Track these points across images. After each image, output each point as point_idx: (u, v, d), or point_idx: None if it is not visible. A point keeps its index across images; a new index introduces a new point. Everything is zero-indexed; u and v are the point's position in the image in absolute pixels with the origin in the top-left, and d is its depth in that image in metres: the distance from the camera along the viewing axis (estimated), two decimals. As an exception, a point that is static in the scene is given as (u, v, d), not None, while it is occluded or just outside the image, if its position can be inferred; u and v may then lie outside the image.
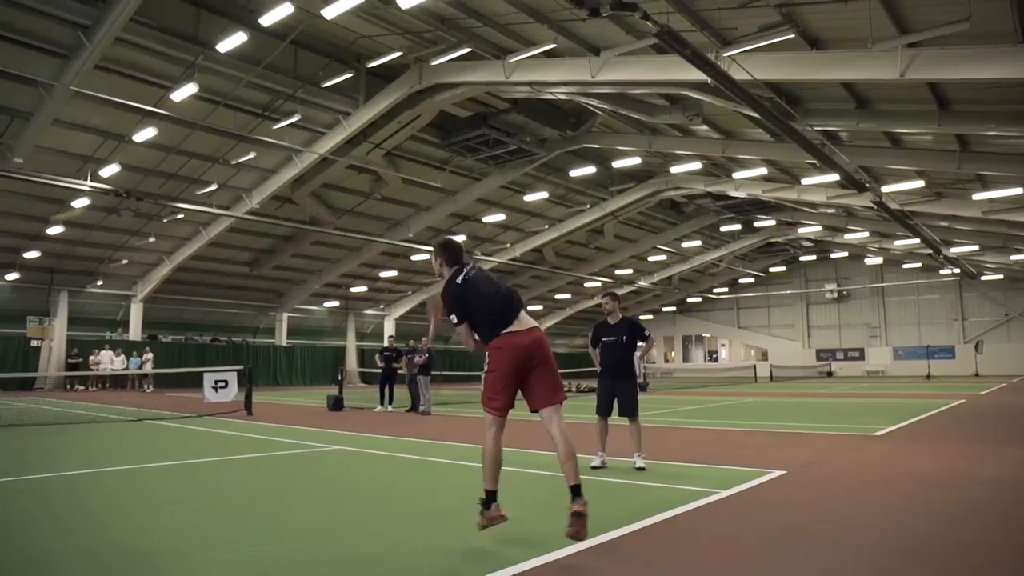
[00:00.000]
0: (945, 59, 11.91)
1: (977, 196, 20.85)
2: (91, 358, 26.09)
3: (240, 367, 16.24)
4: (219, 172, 22.15)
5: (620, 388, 7.47)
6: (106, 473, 7.29)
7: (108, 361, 25.89)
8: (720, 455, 8.42)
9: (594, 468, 7.10)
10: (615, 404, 7.49)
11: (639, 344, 7.70)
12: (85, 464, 7.82)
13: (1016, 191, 19.48)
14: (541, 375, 4.19)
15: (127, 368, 26.21)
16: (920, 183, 20.99)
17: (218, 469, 7.65)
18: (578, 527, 3.87)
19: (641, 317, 55.84)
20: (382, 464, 8.16)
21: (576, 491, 3.98)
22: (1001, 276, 40.19)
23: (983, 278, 40.17)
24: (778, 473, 6.96)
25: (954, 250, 31.52)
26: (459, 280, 4.37)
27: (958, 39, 11.67)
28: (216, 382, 15.63)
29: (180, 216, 23.98)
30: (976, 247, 30.69)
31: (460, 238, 30.63)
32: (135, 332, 29.04)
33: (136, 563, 3.98)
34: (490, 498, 4.17)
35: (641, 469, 7.08)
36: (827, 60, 13.01)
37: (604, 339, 7.61)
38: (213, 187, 22.45)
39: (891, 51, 11.97)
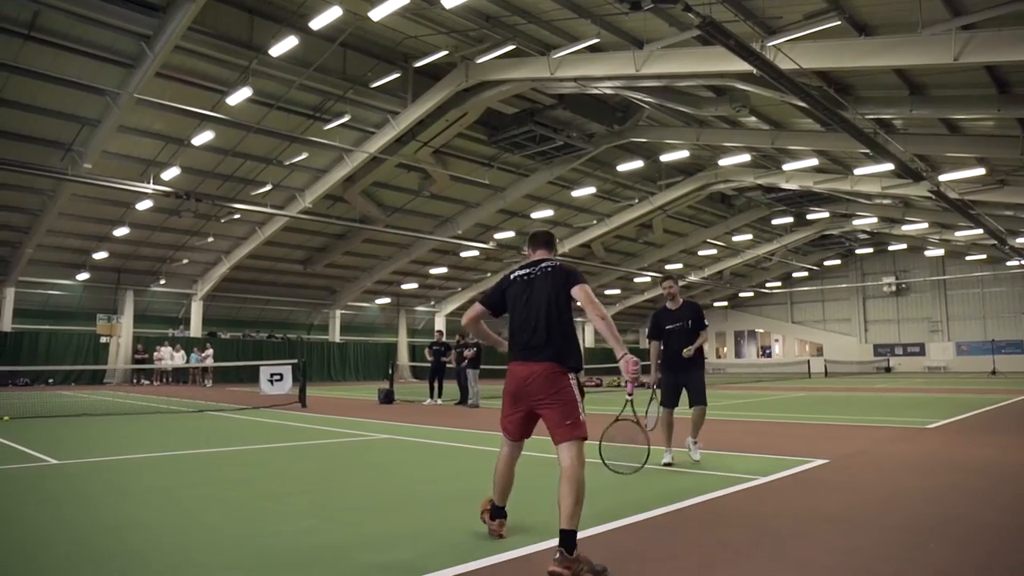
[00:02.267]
0: (1002, 41, 11.55)
1: (1042, 183, 20.10)
2: (154, 355, 27.19)
3: (295, 361, 16.76)
4: (273, 173, 22.83)
5: (691, 378, 6.96)
6: (171, 457, 7.71)
7: (168, 357, 26.93)
8: (764, 445, 8.43)
9: (666, 465, 6.67)
10: (682, 394, 7.02)
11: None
12: (154, 448, 8.29)
13: (1083, 177, 18.71)
14: (549, 410, 3.79)
15: (188, 362, 27.27)
16: (981, 170, 20.32)
17: (271, 455, 8.00)
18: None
19: (692, 312, 55.21)
20: (425, 451, 8.41)
21: (563, 539, 3.41)
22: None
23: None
24: (821, 462, 6.95)
25: (1021, 240, 30.35)
26: (511, 275, 4.20)
27: (1016, 20, 11.33)
28: (272, 375, 16.18)
29: (237, 216, 24.80)
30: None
31: (507, 235, 31.02)
32: (196, 329, 30.12)
33: (194, 530, 4.29)
34: (495, 511, 4.08)
35: (696, 462, 6.88)
36: (876, 46, 12.75)
37: (668, 326, 7.03)
38: (268, 187, 23.15)
39: (944, 35, 11.68)
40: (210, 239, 26.61)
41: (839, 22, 11.89)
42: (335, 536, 4.23)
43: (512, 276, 4.18)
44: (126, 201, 22.75)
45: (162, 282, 29.63)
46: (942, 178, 20.44)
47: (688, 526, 4.45)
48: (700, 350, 7.04)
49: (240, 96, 17.29)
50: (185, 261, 28.46)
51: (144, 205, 22.84)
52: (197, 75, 17.69)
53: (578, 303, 3.97)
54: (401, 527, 4.47)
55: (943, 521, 4.52)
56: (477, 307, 4.28)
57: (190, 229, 25.89)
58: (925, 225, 32.68)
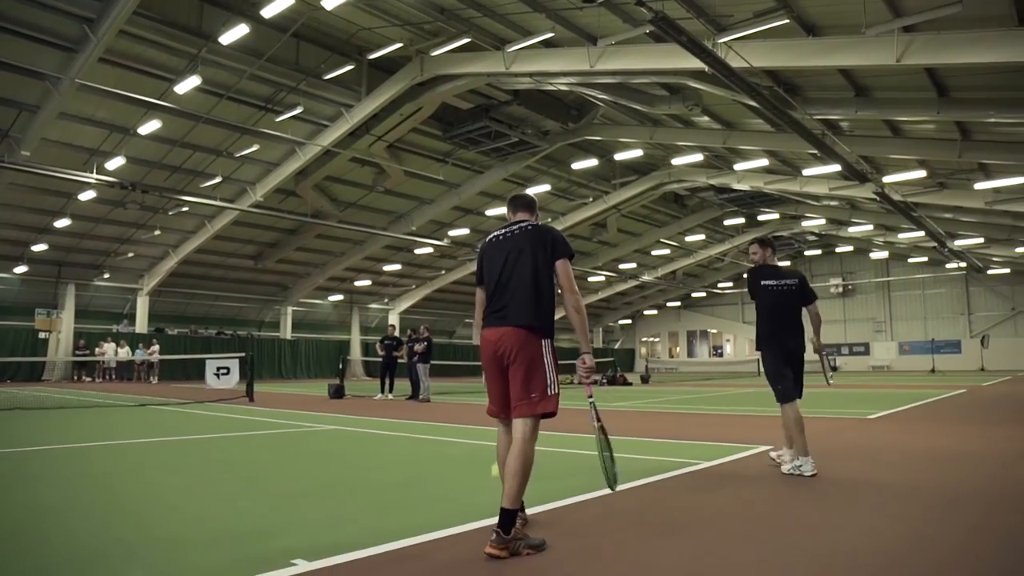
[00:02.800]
0: (941, 44, 11.93)
1: (979, 186, 20.80)
2: (96, 350, 26.35)
3: (242, 354, 16.41)
4: (223, 165, 22.34)
5: (797, 357, 5.67)
6: (109, 446, 7.45)
7: (112, 353, 26.14)
8: (710, 434, 8.53)
9: (813, 476, 5.28)
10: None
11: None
12: (90, 439, 8.00)
13: (1019, 180, 19.45)
14: (512, 376, 3.52)
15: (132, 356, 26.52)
16: (922, 173, 20.96)
17: (211, 444, 7.80)
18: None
19: (645, 312, 55.90)
20: (370, 440, 8.29)
21: (502, 519, 3.28)
22: (1008, 270, 39.97)
23: (990, 272, 39.98)
24: (765, 448, 7.05)
25: (959, 243, 31.41)
26: (488, 237, 3.88)
27: (954, 23, 11.70)
28: (219, 369, 15.81)
29: (185, 209, 24.21)
30: (981, 239, 30.57)
31: (462, 232, 30.91)
32: (141, 325, 29.29)
33: (119, 516, 4.15)
34: (503, 516, 3.34)
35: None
36: (823, 47, 13.04)
37: (766, 282, 5.77)
38: (217, 180, 22.65)
39: (887, 36, 12.00)
40: (157, 232, 25.90)
41: (787, 20, 12.12)
42: (269, 519, 4.14)
43: (488, 239, 3.84)
44: (68, 191, 22.01)
45: (106, 276, 28.73)
46: (886, 180, 21.04)
47: (630, 507, 4.46)
48: (801, 324, 5.77)
49: (189, 84, 16.86)
50: (130, 255, 27.65)
51: (87, 196, 22.13)
52: (143, 62, 17.20)
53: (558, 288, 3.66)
54: (341, 509, 4.42)
55: (880, 491, 4.62)
56: (478, 293, 3.84)
57: (136, 222, 25.17)
58: (870, 227, 33.60)
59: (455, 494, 4.99)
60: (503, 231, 3.79)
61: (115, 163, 20.36)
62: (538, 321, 3.56)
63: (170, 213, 24.50)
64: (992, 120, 15.36)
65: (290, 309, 35.36)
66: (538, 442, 3.61)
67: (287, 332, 35.01)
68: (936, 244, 30.01)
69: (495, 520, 3.35)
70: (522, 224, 3.76)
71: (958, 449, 6.99)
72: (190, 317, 33.02)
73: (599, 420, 3.64)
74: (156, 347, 27.19)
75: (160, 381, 26.66)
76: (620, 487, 4.41)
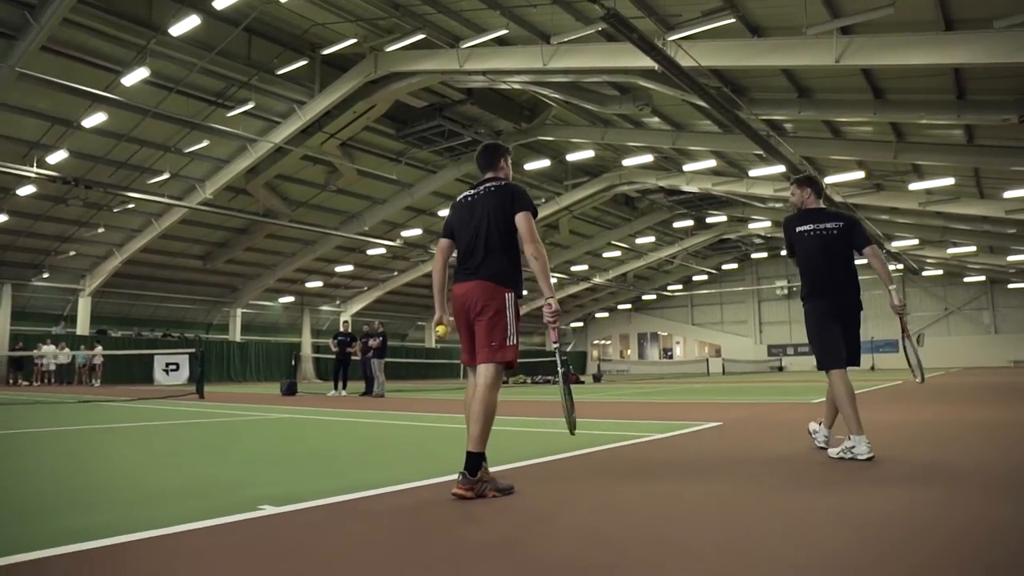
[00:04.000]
0: (876, 46, 12.51)
1: (913, 186, 21.74)
2: (34, 352, 25.45)
3: (192, 350, 16.12)
4: (171, 161, 21.91)
5: (850, 313, 4.79)
6: (58, 432, 7.32)
7: (51, 355, 25.26)
8: (665, 415, 8.80)
9: (870, 459, 4.41)
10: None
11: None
12: (37, 426, 7.83)
13: (949, 181, 20.41)
14: (477, 327, 3.67)
15: (72, 360, 25.62)
16: (860, 174, 21.80)
17: (168, 428, 7.71)
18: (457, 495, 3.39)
19: (597, 315, 56.54)
20: (323, 424, 8.31)
21: (468, 461, 3.44)
22: (941, 272, 41.80)
23: (924, 273, 41.70)
24: (715, 424, 7.32)
25: (896, 244, 32.69)
26: (459, 197, 3.99)
27: (888, 27, 12.29)
28: (167, 365, 15.45)
29: (131, 206, 23.64)
30: (916, 241, 31.88)
31: (414, 232, 30.86)
32: (83, 327, 28.38)
33: (85, 477, 4.15)
34: (469, 460, 3.48)
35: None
36: (768, 47, 13.54)
37: (801, 228, 4.88)
38: (165, 176, 22.18)
39: (827, 37, 12.53)
40: (100, 230, 25.21)
41: (733, 20, 12.55)
42: (235, 478, 4.18)
43: (458, 199, 3.98)
44: (5, 185, 21.30)
45: (45, 276, 27.79)
46: (827, 180, 21.81)
47: (590, 464, 4.64)
48: (855, 272, 4.89)
49: (136, 77, 16.57)
50: (72, 253, 26.82)
51: (26, 191, 21.45)
52: (89, 52, 16.81)
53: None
54: (303, 470, 4.51)
55: (809, 460, 4.89)
56: (441, 241, 3.96)
57: (79, 219, 24.47)
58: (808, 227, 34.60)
59: (415, 458, 5.10)
60: (472, 192, 3.91)
61: (57, 157, 19.82)
62: (503, 276, 3.70)
63: (115, 210, 23.89)
64: (924, 121, 16.12)
65: (239, 311, 34.74)
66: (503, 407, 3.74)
67: (236, 334, 34.37)
68: (875, 245, 31.13)
69: (458, 477, 3.46)
70: (488, 185, 3.87)
71: (887, 420, 7.38)
72: (134, 319, 32.17)
73: (564, 365, 3.79)
74: (99, 349, 26.41)
75: (103, 384, 25.90)
76: (581, 451, 4.54)
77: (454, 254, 3.97)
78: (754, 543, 2.58)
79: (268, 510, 3.19)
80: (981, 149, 17.85)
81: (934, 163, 19.32)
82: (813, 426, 5.19)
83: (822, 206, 5.06)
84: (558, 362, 3.79)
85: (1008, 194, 20.74)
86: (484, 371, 3.62)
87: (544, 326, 4.17)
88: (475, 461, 3.46)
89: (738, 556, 2.39)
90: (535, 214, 3.77)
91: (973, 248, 32.26)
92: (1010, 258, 32.21)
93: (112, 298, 30.41)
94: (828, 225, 4.82)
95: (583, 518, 3.05)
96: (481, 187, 3.89)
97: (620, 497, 3.48)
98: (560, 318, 3.69)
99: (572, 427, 3.79)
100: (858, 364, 4.81)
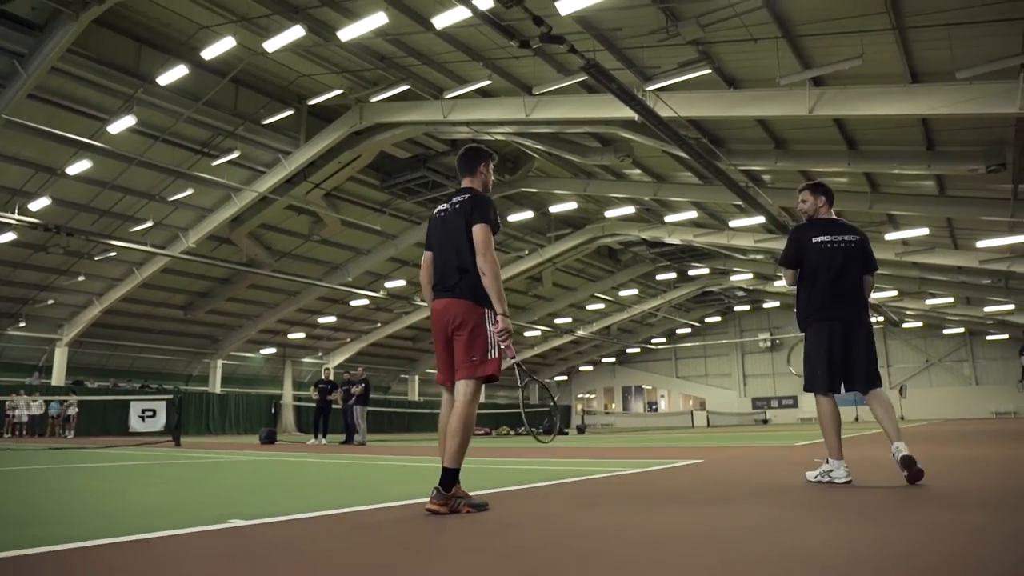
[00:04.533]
0: (847, 97, 12.93)
1: (889, 236, 22.13)
2: (6, 403, 24.86)
3: (170, 396, 15.86)
4: (155, 210, 21.93)
5: (856, 334, 4.50)
6: (30, 471, 7.14)
7: (24, 407, 24.66)
8: (647, 456, 8.74)
9: (847, 483, 4.43)
10: (848, 369, 4.48)
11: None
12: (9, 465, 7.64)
13: (923, 231, 20.82)
14: (456, 343, 3.64)
15: (46, 411, 24.98)
16: (837, 225, 22.16)
17: (141, 467, 7.55)
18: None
19: (581, 368, 56.37)
20: (306, 464, 8.18)
21: (443, 477, 3.41)
22: (921, 323, 42.23)
23: (905, 325, 42.09)
24: (696, 461, 7.29)
25: (876, 295, 33.07)
26: (435, 211, 3.96)
27: (857, 79, 12.72)
28: (144, 411, 15.13)
29: (112, 254, 23.48)
30: (895, 292, 32.29)
31: (398, 284, 30.87)
32: (58, 377, 27.81)
33: (59, 497, 4.04)
34: (444, 475, 3.45)
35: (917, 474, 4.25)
36: (744, 98, 13.93)
37: (818, 238, 4.60)
38: (148, 224, 22.15)
39: (800, 89, 12.94)
40: (81, 279, 24.96)
41: (709, 71, 12.93)
42: (207, 500, 4.10)
43: (434, 213, 3.95)
44: (-14, 233, 21.19)
45: (22, 325, 27.40)
46: (805, 231, 22.13)
47: (567, 491, 4.59)
48: (863, 293, 4.65)
49: (123, 125, 16.68)
50: (51, 302, 26.49)
51: (6, 238, 21.30)
52: (76, 100, 16.95)
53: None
54: (277, 493, 4.40)
55: (780, 489, 4.87)
56: (425, 255, 3.96)
57: (59, 267, 24.28)
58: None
59: (391, 487, 5.02)
60: (444, 207, 3.89)
61: (39, 204, 19.77)
62: (480, 294, 3.66)
63: (96, 259, 23.74)
64: (896, 172, 16.55)
65: (220, 362, 34.32)
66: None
67: (216, 386, 33.86)
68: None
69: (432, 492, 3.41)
70: (456, 200, 3.84)
71: (870, 456, 7.38)
72: (112, 370, 31.63)
73: (529, 376, 3.76)
74: (72, 399, 25.88)
75: (77, 436, 25.32)
76: (562, 480, 4.49)
77: None
78: (728, 543, 2.56)
79: (237, 523, 3.13)
80: (952, 199, 18.28)
81: (908, 213, 19.74)
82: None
83: (835, 216, 4.81)
84: (518, 377, 3.76)
85: (981, 244, 21.15)
86: (464, 387, 3.57)
87: (528, 377, 4.09)
88: (450, 476, 3.42)
89: (711, 552, 2.37)
90: (495, 228, 3.72)
91: (951, 299, 32.69)
92: (987, 309, 32.63)
93: (90, 348, 29.99)
94: (847, 238, 4.56)
95: (557, 529, 3.02)
96: (453, 200, 3.87)
97: (590, 520, 3.44)
98: (511, 337, 3.65)
99: (546, 433, 3.78)
100: (878, 386, 4.46)
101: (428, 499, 3.38)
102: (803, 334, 4.67)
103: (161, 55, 16.31)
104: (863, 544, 2.45)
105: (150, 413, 15.18)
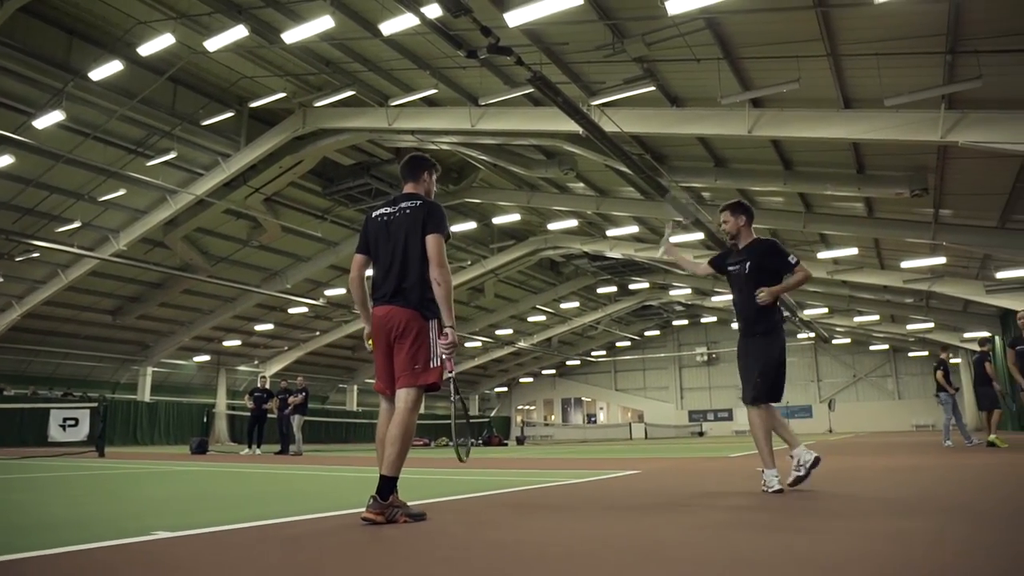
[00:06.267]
0: (784, 119, 13.36)
1: (821, 255, 22.89)
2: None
3: (94, 404, 15.19)
4: (83, 210, 21.04)
5: (752, 347, 4.87)
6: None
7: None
8: (585, 467, 8.77)
9: (779, 492, 4.65)
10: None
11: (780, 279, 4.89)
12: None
13: (853, 251, 21.64)
14: (398, 350, 3.58)
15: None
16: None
17: (62, 479, 7.20)
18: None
19: (521, 380, 56.48)
20: (237, 474, 7.94)
21: (380, 485, 3.35)
22: (849, 340, 43.80)
23: (834, 341, 43.57)
24: (634, 472, 7.35)
25: (808, 312, 34.17)
26: (372, 213, 3.86)
27: (794, 103, 13.16)
28: (65, 420, 14.41)
29: (35, 255, 22.38)
30: (826, 309, 33.41)
31: (338, 292, 30.41)
32: (-28, 384, 26.47)
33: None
34: (381, 484, 3.39)
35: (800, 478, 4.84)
36: (686, 116, 14.25)
37: (730, 267, 5.07)
38: (76, 225, 21.22)
39: (740, 110, 13.31)
40: (0, 280, 23.81)
41: (653, 88, 13.18)
42: (131, 511, 3.92)
43: (373, 214, 3.82)
44: None
45: (-66, 329, 25.95)
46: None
47: (506, 500, 4.56)
48: (760, 310, 4.80)
49: (50, 120, 15.96)
50: (-34, 306, 25.20)
51: (-81, 237, 20.17)
52: None
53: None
54: (204, 504, 4.23)
55: (710, 494, 4.96)
56: (357, 257, 3.84)
57: (-25, 269, 23.09)
58: (731, 297, 35.89)
59: (324, 496, 4.90)
60: (389, 211, 3.77)
61: (-44, 202, 18.78)
62: (425, 303, 3.62)
63: (17, 259, 22.59)
64: (829, 193, 17.15)
65: (150, 370, 33.06)
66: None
67: (145, 395, 32.60)
68: (789, 313, 32.47)
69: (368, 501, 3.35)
70: (405, 205, 3.74)
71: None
72: (32, 376, 30.14)
73: (457, 393, 3.70)
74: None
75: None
76: (498, 491, 4.45)
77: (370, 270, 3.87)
78: (664, 549, 2.57)
79: (162, 535, 3.00)
80: (880, 221, 19.04)
81: (839, 233, 20.44)
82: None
83: (754, 236, 5.06)
84: (452, 390, 3.69)
85: (905, 264, 22.10)
86: (405, 394, 3.52)
87: (466, 389, 4.11)
88: (388, 485, 3.36)
89: (641, 555, 2.37)
90: (447, 237, 3.68)
91: (877, 317, 34.00)
92: (909, 327, 34.05)
93: (8, 354, 28.50)
94: (745, 263, 4.94)
95: (494, 537, 2.98)
96: (399, 205, 3.77)
97: (528, 527, 3.42)
98: (456, 350, 3.62)
99: (463, 455, 3.75)
100: (750, 403, 4.81)
101: (364, 508, 3.31)
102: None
103: (94, 49, 15.73)
104: (798, 551, 2.50)
105: (72, 422, 14.42)
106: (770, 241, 5.01)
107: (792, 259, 4.80)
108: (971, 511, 3.62)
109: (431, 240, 3.61)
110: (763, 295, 4.69)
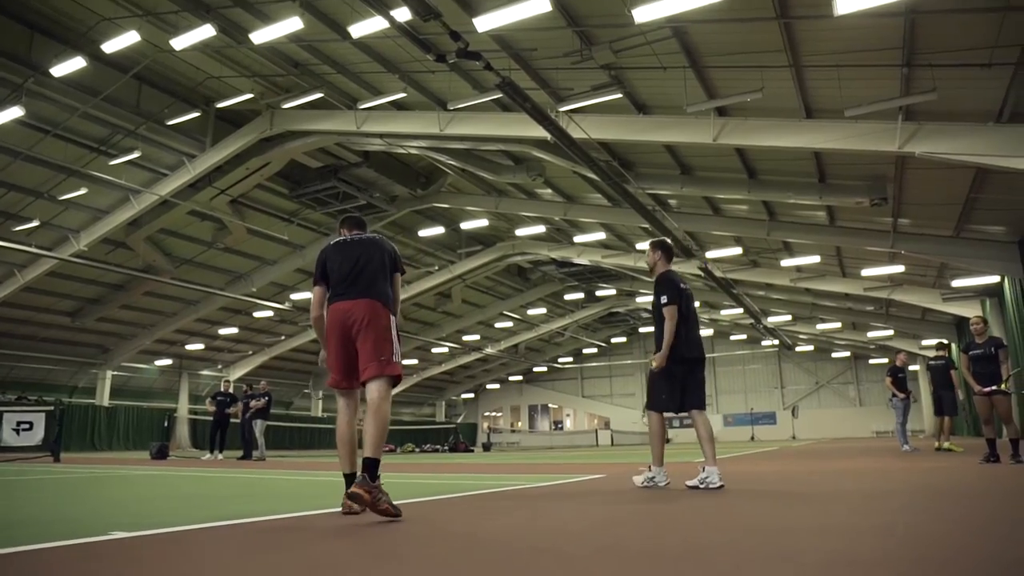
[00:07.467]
0: (748, 128, 13.60)
1: (785, 263, 23.31)
2: None
3: (50, 408, 14.82)
4: (42, 208, 20.57)
5: (689, 372, 5.71)
6: None
7: None
8: (553, 471, 8.81)
9: (647, 486, 5.50)
10: (682, 397, 5.65)
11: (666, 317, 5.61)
12: None
13: (815, 259, 22.06)
14: (362, 344, 3.73)
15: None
16: (738, 250, 23.22)
17: (15, 483, 7.04)
18: (349, 506, 3.53)
19: (488, 386, 56.44)
20: (199, 478, 7.83)
21: (366, 466, 3.53)
22: (812, 347, 44.55)
23: (798, 349, 44.28)
24: (599, 476, 7.41)
25: (771, 319, 34.70)
26: (327, 246, 4.18)
27: (758, 112, 13.40)
28: (19, 423, 14.03)
29: (-8, 255, 21.89)
30: (789, 316, 33.98)
31: (304, 296, 30.12)
32: (-76, 388, 25.65)
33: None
34: (348, 482, 3.70)
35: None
36: (653, 124, 14.43)
37: (684, 287, 5.73)
38: (34, 224, 20.74)
39: (705, 118, 13.52)
40: (-47, 281, 23.17)
41: (621, 95, 13.34)
42: (89, 513, 3.86)
43: (333, 243, 4.16)
44: None
45: None
46: (708, 255, 23.07)
47: (474, 502, 4.58)
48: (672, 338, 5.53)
49: (8, 116, 15.59)
50: (-84, 306, 24.43)
51: None
52: (-45, 87, 15.79)
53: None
54: (164, 505, 4.18)
55: (670, 494, 5.04)
56: (317, 289, 4.07)
57: (-72, 268, 22.43)
58: (696, 304, 36.32)
59: (289, 498, 4.87)
60: (347, 237, 4.15)
61: (-91, 199, 18.24)
62: (388, 301, 3.88)
63: (-28, 259, 22.07)
64: (792, 201, 17.47)
65: (110, 373, 32.34)
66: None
67: (104, 399, 31.90)
68: (753, 321, 32.95)
69: (336, 509, 3.58)
70: (368, 236, 4.15)
71: (750, 471, 7.71)
72: (-14, 380, 29.37)
73: None
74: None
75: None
76: (465, 493, 4.46)
77: None
78: (627, 543, 2.61)
79: (119, 535, 2.97)
80: (841, 229, 19.44)
81: (802, 241, 20.84)
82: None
83: (671, 269, 5.84)
84: None
85: (865, 272, 22.60)
86: (377, 386, 3.68)
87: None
88: (373, 465, 3.51)
89: (609, 552, 2.41)
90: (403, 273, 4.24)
91: (839, 324, 34.66)
92: (870, 334, 34.77)
93: (-39, 357, 27.75)
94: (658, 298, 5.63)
95: (464, 532, 3.00)
96: (355, 233, 4.20)
97: (497, 524, 3.45)
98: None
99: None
100: (674, 410, 5.65)
101: (346, 491, 3.49)
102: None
103: (56, 45, 15.40)
104: (755, 542, 2.56)
105: (26, 426, 14.01)
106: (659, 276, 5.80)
107: (663, 299, 5.52)
108: (852, 497, 3.73)
109: (398, 280, 4.18)
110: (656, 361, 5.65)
